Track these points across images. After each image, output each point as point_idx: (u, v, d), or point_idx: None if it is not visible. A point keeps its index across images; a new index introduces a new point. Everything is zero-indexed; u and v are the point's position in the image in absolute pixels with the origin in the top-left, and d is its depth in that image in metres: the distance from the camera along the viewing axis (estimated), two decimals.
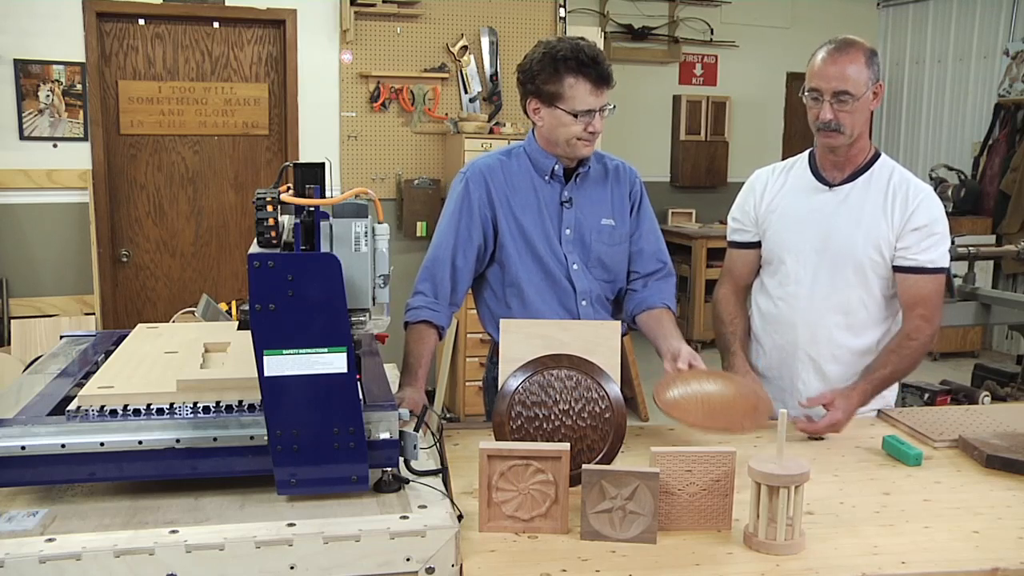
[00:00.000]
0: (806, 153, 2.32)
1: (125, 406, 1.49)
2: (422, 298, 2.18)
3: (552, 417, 1.69)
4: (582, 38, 2.15)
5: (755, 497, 1.47)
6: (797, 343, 2.23)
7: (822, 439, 2.03)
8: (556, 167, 2.20)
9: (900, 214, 2.16)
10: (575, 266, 2.22)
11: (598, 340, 1.75)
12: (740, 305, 2.37)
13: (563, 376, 1.71)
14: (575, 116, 2.08)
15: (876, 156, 2.22)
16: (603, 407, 1.69)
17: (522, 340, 1.75)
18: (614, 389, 1.71)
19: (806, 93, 2.14)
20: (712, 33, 7.24)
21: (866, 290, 2.19)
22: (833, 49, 2.12)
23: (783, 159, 2.40)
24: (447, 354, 5.06)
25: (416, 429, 1.53)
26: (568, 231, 2.22)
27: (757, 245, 2.33)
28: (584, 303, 2.23)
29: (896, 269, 2.18)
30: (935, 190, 7.93)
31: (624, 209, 2.28)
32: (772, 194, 2.29)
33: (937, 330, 2.19)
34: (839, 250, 2.18)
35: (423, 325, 2.14)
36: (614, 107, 2.15)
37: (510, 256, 2.20)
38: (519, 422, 1.69)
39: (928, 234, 2.15)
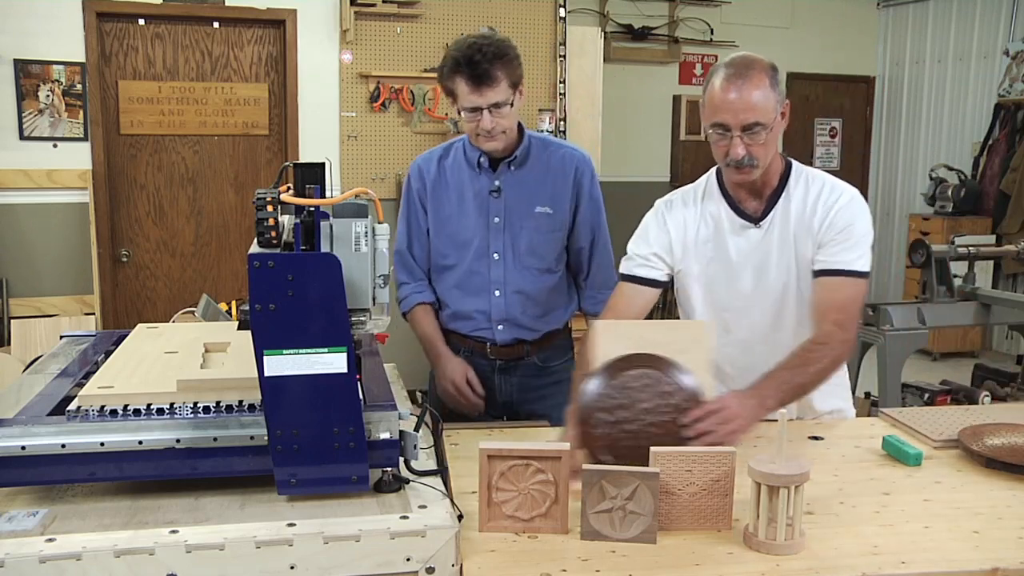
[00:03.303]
0: (708, 180, 2.11)
1: (125, 406, 1.49)
2: (406, 287, 2.42)
3: (634, 418, 1.70)
4: (486, 35, 2.21)
5: (755, 497, 1.47)
6: None
7: (821, 439, 2.02)
8: (481, 159, 2.28)
9: (819, 222, 1.98)
10: (496, 255, 2.30)
11: (690, 339, 1.76)
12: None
13: (638, 375, 1.72)
14: (462, 113, 2.18)
15: (788, 167, 2.04)
16: (680, 400, 1.71)
17: (615, 340, 1.77)
18: (686, 380, 1.72)
19: (710, 129, 1.90)
20: (712, 33, 7.24)
21: (809, 306, 2.05)
22: (733, 75, 1.86)
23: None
24: None
25: (416, 429, 1.53)
26: (497, 219, 2.29)
27: (661, 284, 2.10)
28: (497, 293, 2.31)
29: (814, 275, 1.99)
30: (935, 190, 7.85)
31: (564, 197, 2.32)
32: (693, 239, 2.06)
33: (852, 341, 1.95)
34: (781, 288, 2.02)
35: (419, 307, 2.39)
36: (511, 104, 2.18)
37: (435, 244, 2.35)
38: (603, 428, 1.70)
39: (847, 236, 1.95)
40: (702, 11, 7.20)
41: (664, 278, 2.10)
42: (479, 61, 2.10)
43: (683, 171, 7.35)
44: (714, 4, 7.20)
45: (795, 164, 2.07)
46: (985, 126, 7.04)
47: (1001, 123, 6.92)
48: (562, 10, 5.40)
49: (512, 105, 2.18)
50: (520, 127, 2.30)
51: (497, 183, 2.28)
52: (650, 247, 2.09)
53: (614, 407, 1.70)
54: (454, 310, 2.37)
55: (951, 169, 7.05)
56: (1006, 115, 6.88)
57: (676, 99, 7.33)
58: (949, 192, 6.92)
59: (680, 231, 2.08)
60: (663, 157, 7.41)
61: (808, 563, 1.43)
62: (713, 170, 2.11)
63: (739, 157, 1.89)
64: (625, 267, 2.12)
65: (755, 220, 2.04)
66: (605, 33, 6.58)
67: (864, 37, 7.83)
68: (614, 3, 6.91)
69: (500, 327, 2.33)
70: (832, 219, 1.97)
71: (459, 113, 2.20)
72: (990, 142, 7.00)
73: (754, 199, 2.04)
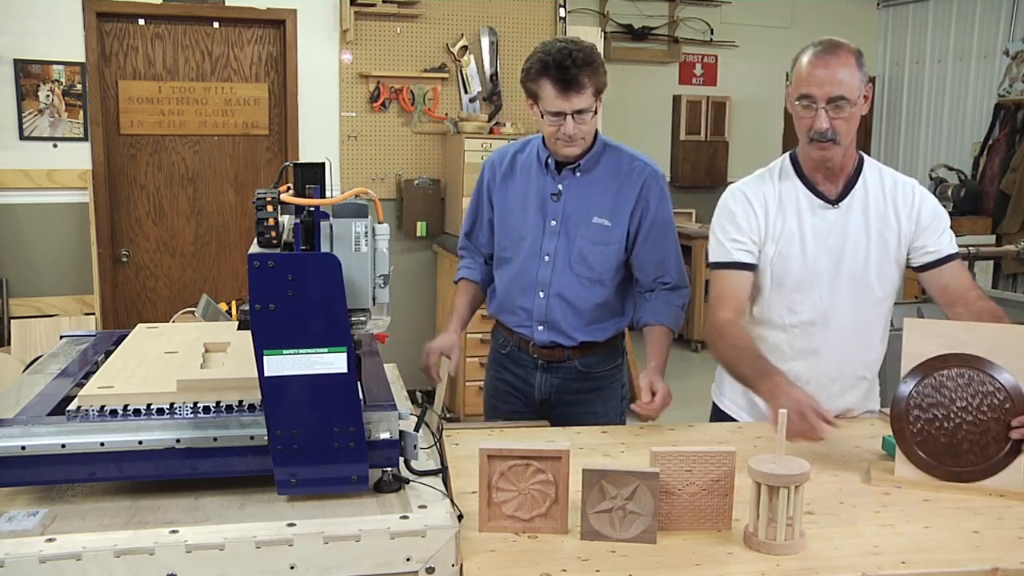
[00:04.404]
0: (783, 163, 2.14)
1: (125, 406, 1.49)
2: (462, 260, 2.52)
3: (951, 416, 1.73)
4: (574, 40, 2.19)
5: (755, 497, 1.47)
6: (820, 368, 2.11)
7: (821, 439, 2.02)
8: (549, 159, 2.28)
9: (906, 217, 2.07)
10: (547, 258, 2.28)
11: (1004, 344, 1.75)
12: (747, 330, 2.09)
13: (954, 375, 1.75)
14: (545, 116, 2.16)
15: (861, 159, 2.12)
16: (1002, 398, 1.72)
17: (924, 339, 1.79)
18: (1009, 379, 1.73)
19: (796, 101, 1.99)
20: (712, 33, 7.25)
21: (881, 304, 2.14)
22: (822, 51, 1.96)
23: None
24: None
25: (416, 429, 1.53)
26: (554, 223, 2.28)
27: (755, 269, 2.11)
28: (541, 294, 2.29)
29: (923, 268, 2.08)
30: (935, 190, 7.88)
31: (625, 211, 2.26)
32: (774, 215, 2.09)
33: None
34: (856, 272, 2.07)
35: (462, 282, 2.49)
36: (595, 113, 2.17)
37: (498, 236, 2.38)
38: (919, 425, 1.75)
39: (940, 223, 2.09)
40: (702, 11, 7.20)
41: (756, 261, 2.10)
42: (568, 66, 2.08)
43: (683, 171, 7.35)
44: (714, 4, 7.20)
45: (864, 155, 2.13)
46: (985, 126, 7.04)
47: (1001, 123, 6.92)
48: (562, 10, 5.40)
49: (596, 112, 2.17)
50: (595, 133, 2.27)
51: (560, 187, 2.27)
52: (742, 231, 2.09)
53: (929, 405, 1.73)
54: (504, 302, 2.38)
55: (951, 169, 7.05)
56: (1006, 115, 6.88)
57: (676, 99, 7.33)
58: (949, 192, 6.92)
59: (763, 208, 2.09)
60: (663, 157, 7.41)
61: (808, 563, 1.43)
62: (786, 155, 2.16)
63: (823, 129, 1.95)
64: (721, 254, 2.10)
65: (832, 201, 2.08)
66: (605, 33, 6.59)
67: (864, 37, 7.82)
68: (614, 3, 6.91)
69: (540, 328, 2.32)
70: (920, 210, 2.07)
71: (541, 116, 2.17)
72: (990, 142, 7.00)
73: (830, 182, 2.08)
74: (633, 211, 2.26)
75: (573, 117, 2.13)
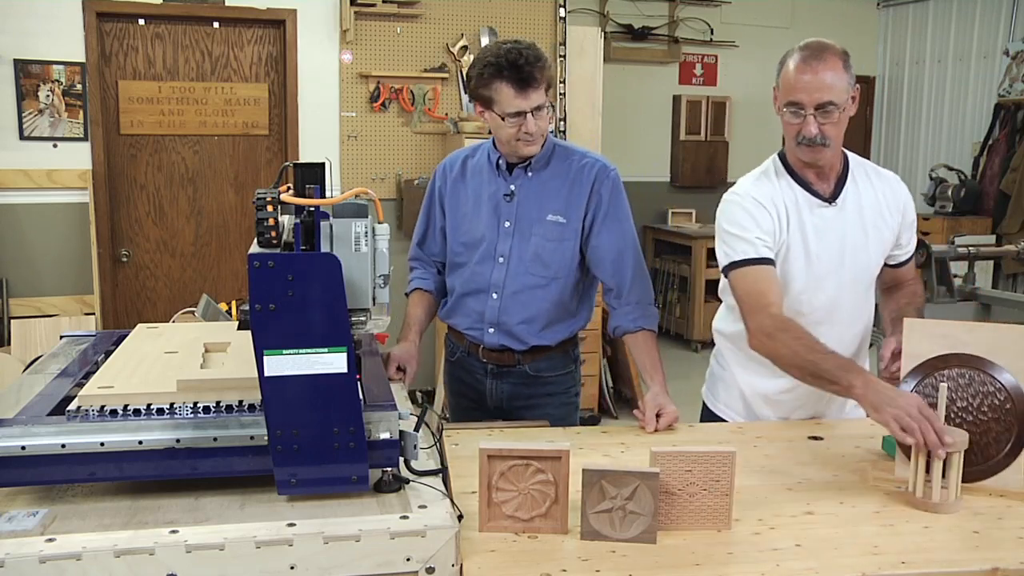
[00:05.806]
0: (775, 164, 2.13)
1: (125, 406, 1.49)
2: (413, 272, 2.48)
3: (951, 416, 1.74)
4: (516, 40, 2.17)
5: (916, 461, 1.62)
6: None
7: (821, 439, 2.02)
8: (500, 161, 2.28)
9: (897, 211, 2.12)
10: (501, 259, 2.28)
11: (1004, 344, 1.75)
12: None
13: (954, 375, 1.75)
14: (505, 118, 2.15)
15: (846, 156, 2.12)
16: (1002, 398, 1.72)
17: (924, 339, 1.79)
18: (1010, 379, 1.73)
19: (785, 108, 1.98)
20: (712, 33, 7.24)
21: (873, 291, 2.18)
22: (809, 56, 1.94)
23: None
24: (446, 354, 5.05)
25: (416, 429, 1.54)
26: (508, 224, 2.28)
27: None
28: (495, 296, 2.29)
29: (894, 266, 2.18)
30: (935, 190, 7.83)
31: (579, 208, 2.24)
32: (784, 216, 2.06)
33: None
34: (857, 269, 2.09)
35: (415, 292, 2.43)
36: (552, 107, 2.18)
37: (451, 242, 2.37)
38: None
39: (913, 225, 2.17)
40: (702, 11, 7.20)
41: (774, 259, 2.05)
42: (522, 65, 2.08)
43: (683, 171, 7.35)
44: (714, 4, 7.20)
45: (846, 152, 2.13)
46: (985, 126, 7.04)
47: (1001, 123, 6.92)
48: (562, 10, 5.40)
49: (552, 107, 2.17)
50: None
51: (512, 187, 2.26)
52: (763, 229, 2.03)
53: (929, 405, 1.73)
54: (456, 305, 2.37)
55: (951, 169, 7.05)
56: (1006, 115, 6.88)
57: (676, 99, 7.33)
58: (949, 192, 6.92)
59: (775, 210, 2.06)
60: (663, 157, 7.42)
61: (808, 563, 1.43)
62: (775, 155, 2.15)
63: (812, 135, 1.96)
64: (748, 251, 2.02)
65: (828, 200, 2.08)
66: (605, 33, 6.58)
67: (864, 37, 7.83)
68: (614, 3, 6.91)
69: (491, 330, 2.31)
70: (905, 205, 2.14)
71: (502, 119, 2.14)
72: (990, 142, 7.00)
73: (822, 180, 2.09)
74: (587, 205, 2.24)
75: (532, 114, 2.13)
